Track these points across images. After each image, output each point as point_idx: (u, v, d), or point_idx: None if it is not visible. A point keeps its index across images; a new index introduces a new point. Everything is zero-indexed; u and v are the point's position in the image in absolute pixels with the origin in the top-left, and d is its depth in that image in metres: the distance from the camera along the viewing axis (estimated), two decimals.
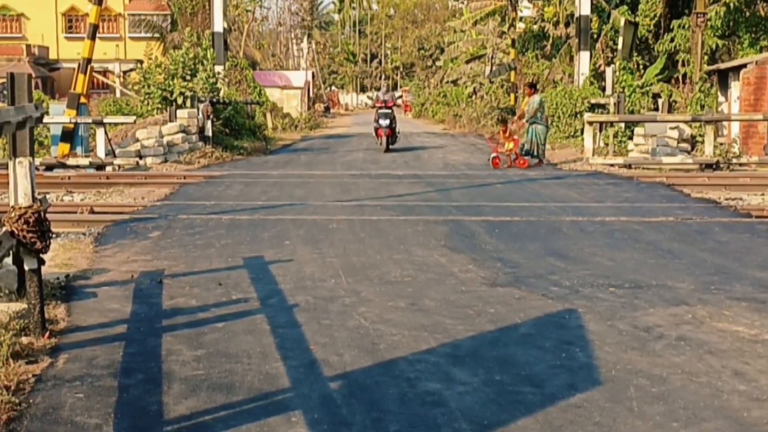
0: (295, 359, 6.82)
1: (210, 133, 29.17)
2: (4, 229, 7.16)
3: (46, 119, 21.19)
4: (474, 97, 55.96)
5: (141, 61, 47.17)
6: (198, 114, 28.74)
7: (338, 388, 6.18)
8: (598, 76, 36.22)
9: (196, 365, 6.66)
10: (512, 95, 42.26)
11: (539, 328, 7.75)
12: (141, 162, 24.65)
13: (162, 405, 5.85)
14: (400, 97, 32.37)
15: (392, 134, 30.22)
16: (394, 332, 7.55)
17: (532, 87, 25.69)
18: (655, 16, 36.60)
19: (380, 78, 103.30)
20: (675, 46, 35.54)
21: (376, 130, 30.56)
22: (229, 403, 5.88)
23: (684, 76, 34.81)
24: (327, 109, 78.62)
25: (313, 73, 78.69)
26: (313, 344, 7.21)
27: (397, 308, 8.43)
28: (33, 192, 7.55)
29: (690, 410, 5.77)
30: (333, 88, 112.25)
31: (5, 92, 7.90)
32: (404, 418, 5.63)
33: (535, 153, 24.44)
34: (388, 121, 29.95)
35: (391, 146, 30.06)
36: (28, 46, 68.53)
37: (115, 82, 62.34)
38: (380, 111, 30.21)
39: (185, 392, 6.08)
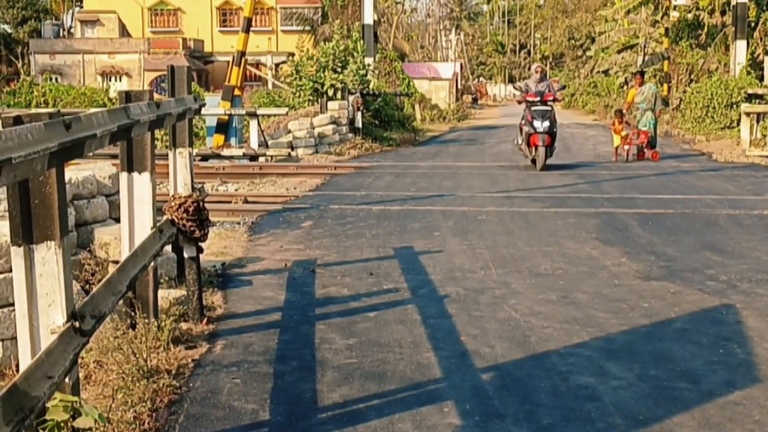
0: (446, 350, 6.84)
1: (360, 125, 29.44)
2: (165, 217, 7.38)
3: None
4: (626, 87, 54.92)
5: (292, 54, 48.03)
6: (348, 106, 29.06)
7: (490, 380, 6.17)
8: (755, 65, 35.07)
9: (349, 354, 6.75)
10: (665, 86, 41.28)
11: (695, 323, 7.58)
12: (293, 153, 25.10)
13: (316, 392, 5.95)
14: (564, 87, 28.80)
15: (551, 143, 20.51)
16: (545, 325, 7.49)
17: (642, 75, 25.16)
18: None
19: (528, 68, 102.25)
20: None
21: (529, 136, 20.40)
22: (382, 392, 5.94)
23: None
24: (475, 100, 78.44)
25: (461, 65, 78.52)
26: (464, 335, 7.22)
27: (547, 301, 8.36)
28: (192, 182, 7.76)
29: None
30: (481, 79, 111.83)
31: (163, 85, 8.12)
32: (557, 411, 5.58)
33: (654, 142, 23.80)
34: (547, 124, 20.04)
35: (548, 161, 20.51)
36: (184, 40, 70.49)
37: (267, 75, 63.53)
38: (534, 108, 20.26)
39: (338, 380, 6.16)
